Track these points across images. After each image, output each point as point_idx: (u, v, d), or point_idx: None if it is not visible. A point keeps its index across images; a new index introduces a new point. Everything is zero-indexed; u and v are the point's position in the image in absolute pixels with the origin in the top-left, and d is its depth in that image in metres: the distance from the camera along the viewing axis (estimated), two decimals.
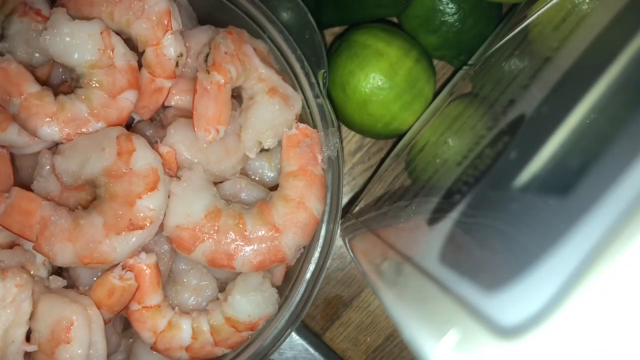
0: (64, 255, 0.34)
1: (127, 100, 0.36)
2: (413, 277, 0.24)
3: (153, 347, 0.38)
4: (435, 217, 0.26)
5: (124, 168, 0.34)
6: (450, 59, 0.48)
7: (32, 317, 0.35)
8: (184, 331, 0.38)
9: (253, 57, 0.37)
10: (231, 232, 0.36)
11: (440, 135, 0.37)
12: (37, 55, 0.36)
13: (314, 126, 0.39)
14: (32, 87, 0.34)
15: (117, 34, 0.36)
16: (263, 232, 0.36)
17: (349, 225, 0.43)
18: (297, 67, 0.39)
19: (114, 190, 0.34)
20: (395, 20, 0.49)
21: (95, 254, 0.34)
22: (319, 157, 0.39)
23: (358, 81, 0.43)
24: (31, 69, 0.36)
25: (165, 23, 0.35)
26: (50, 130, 0.34)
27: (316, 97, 0.39)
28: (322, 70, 0.41)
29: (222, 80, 0.35)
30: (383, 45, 0.44)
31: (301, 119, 0.40)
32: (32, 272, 0.36)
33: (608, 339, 0.14)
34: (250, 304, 0.37)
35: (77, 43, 0.34)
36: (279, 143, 0.39)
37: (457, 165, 0.29)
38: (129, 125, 0.39)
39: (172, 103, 0.39)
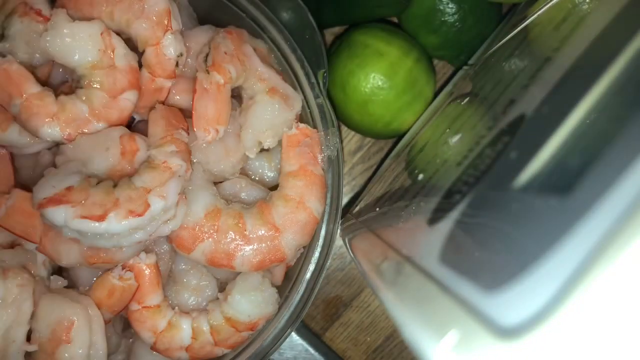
0: (69, 255, 0.34)
1: (127, 100, 0.36)
2: (413, 277, 0.24)
3: (153, 347, 0.38)
4: (435, 217, 0.26)
5: (128, 167, 0.34)
6: (450, 59, 0.48)
7: (33, 316, 0.35)
8: (184, 331, 0.38)
9: (253, 57, 0.37)
10: (231, 232, 0.36)
11: (441, 135, 0.37)
12: (37, 55, 0.36)
13: (314, 126, 0.39)
14: (33, 88, 0.34)
15: (117, 34, 0.36)
16: (263, 232, 0.36)
17: (349, 225, 0.43)
18: (297, 67, 0.39)
19: None
20: (395, 20, 0.49)
21: (102, 254, 0.34)
22: (319, 157, 0.39)
23: (358, 81, 0.43)
24: (31, 69, 0.36)
25: (165, 23, 0.35)
26: (51, 130, 0.34)
27: (316, 97, 0.39)
28: (322, 70, 0.41)
29: (222, 80, 0.36)
30: (383, 45, 0.44)
31: (301, 119, 0.40)
32: (32, 272, 0.36)
33: (608, 339, 0.14)
34: (250, 303, 0.37)
35: (77, 44, 0.34)
36: (279, 143, 0.39)
37: (457, 165, 0.29)
38: (130, 125, 0.39)
39: (172, 103, 0.39)
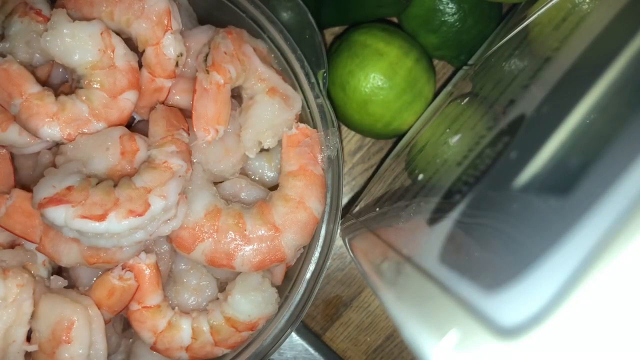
0: (69, 255, 0.34)
1: (127, 100, 0.36)
2: (413, 277, 0.24)
3: (153, 347, 0.38)
4: (435, 217, 0.26)
5: (129, 167, 0.34)
6: (450, 59, 0.48)
7: (33, 317, 0.35)
8: (184, 331, 0.38)
9: (253, 57, 0.37)
10: (231, 232, 0.36)
11: (441, 135, 0.37)
12: (37, 55, 0.36)
13: (314, 126, 0.39)
14: (33, 88, 0.34)
15: (117, 34, 0.36)
16: (263, 232, 0.36)
17: (349, 225, 0.43)
18: (297, 67, 0.39)
19: None
20: (395, 20, 0.49)
21: (102, 254, 0.34)
22: (319, 157, 0.39)
23: (358, 81, 0.43)
24: (31, 69, 0.36)
25: (165, 23, 0.35)
26: (51, 130, 0.34)
27: (316, 97, 0.39)
28: (322, 70, 0.41)
29: (222, 80, 0.36)
30: (383, 45, 0.44)
31: (301, 119, 0.40)
32: (32, 272, 0.36)
33: (608, 338, 0.14)
34: (250, 303, 0.37)
35: (77, 44, 0.34)
36: (279, 143, 0.39)
37: (457, 165, 0.29)
38: (130, 125, 0.39)
39: (172, 103, 0.39)
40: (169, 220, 0.34)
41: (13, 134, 0.36)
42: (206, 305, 0.39)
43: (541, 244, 0.17)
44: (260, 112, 0.37)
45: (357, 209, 0.47)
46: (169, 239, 0.37)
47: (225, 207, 0.37)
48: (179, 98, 0.38)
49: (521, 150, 0.22)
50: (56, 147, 0.36)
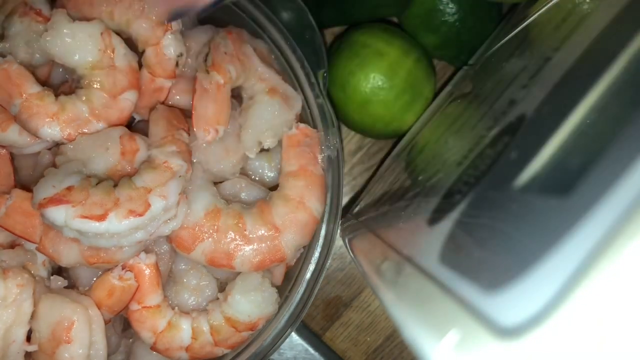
0: (69, 255, 0.34)
1: (127, 100, 0.36)
2: (413, 277, 0.24)
3: (153, 348, 0.38)
4: (435, 217, 0.26)
5: (129, 167, 0.35)
6: (450, 59, 0.48)
7: (33, 317, 0.35)
8: (184, 331, 0.38)
9: (253, 57, 0.37)
10: (231, 232, 0.36)
11: (441, 135, 0.37)
12: (37, 55, 0.36)
13: (314, 126, 0.39)
14: (33, 88, 0.34)
15: (117, 34, 0.36)
16: (263, 232, 0.36)
17: (349, 225, 0.43)
18: (297, 67, 0.39)
19: None
20: (395, 20, 0.49)
21: (102, 254, 0.34)
22: (319, 157, 0.39)
23: (358, 81, 0.43)
24: (31, 69, 0.36)
25: (165, 22, 0.35)
26: (51, 130, 0.34)
27: (316, 97, 0.39)
28: (322, 70, 0.41)
29: (222, 81, 0.36)
30: (383, 45, 0.44)
31: (301, 119, 0.40)
32: (32, 272, 0.36)
33: (608, 339, 0.14)
34: (250, 303, 0.37)
35: (77, 44, 0.34)
36: (279, 143, 0.39)
37: (457, 165, 0.29)
38: (130, 125, 0.39)
39: (172, 103, 0.39)
40: (169, 220, 0.34)
41: (13, 134, 0.36)
42: (206, 305, 0.39)
43: (541, 244, 0.17)
44: (260, 112, 0.37)
45: (357, 209, 0.47)
46: (169, 239, 0.37)
47: (225, 207, 0.37)
48: (179, 98, 0.38)
49: (521, 150, 0.22)
50: (56, 147, 0.36)
